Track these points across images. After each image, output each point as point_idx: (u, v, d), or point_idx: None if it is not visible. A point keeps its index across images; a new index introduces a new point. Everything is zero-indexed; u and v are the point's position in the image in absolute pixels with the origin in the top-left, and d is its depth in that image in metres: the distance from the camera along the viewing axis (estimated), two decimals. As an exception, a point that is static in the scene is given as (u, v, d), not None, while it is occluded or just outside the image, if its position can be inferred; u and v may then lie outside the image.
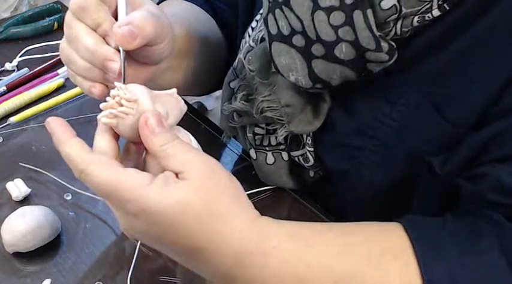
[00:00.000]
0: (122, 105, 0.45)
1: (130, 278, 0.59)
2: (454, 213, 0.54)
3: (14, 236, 0.60)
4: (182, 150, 0.46)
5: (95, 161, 0.45)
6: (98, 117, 0.47)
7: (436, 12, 0.51)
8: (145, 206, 0.43)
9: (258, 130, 0.64)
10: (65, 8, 1.01)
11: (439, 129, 0.55)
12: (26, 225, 0.60)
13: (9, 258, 0.61)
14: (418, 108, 0.55)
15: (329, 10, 0.50)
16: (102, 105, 0.46)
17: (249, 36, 0.65)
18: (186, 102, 0.51)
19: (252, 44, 0.63)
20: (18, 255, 0.61)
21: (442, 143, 0.55)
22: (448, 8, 0.51)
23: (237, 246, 0.46)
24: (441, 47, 0.53)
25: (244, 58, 0.62)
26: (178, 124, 0.51)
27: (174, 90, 0.49)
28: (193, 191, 0.44)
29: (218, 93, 1.41)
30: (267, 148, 0.65)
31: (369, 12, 0.49)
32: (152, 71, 0.56)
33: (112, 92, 0.46)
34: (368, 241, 0.51)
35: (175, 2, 0.75)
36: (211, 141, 0.76)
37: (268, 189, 0.69)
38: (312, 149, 0.62)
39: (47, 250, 0.62)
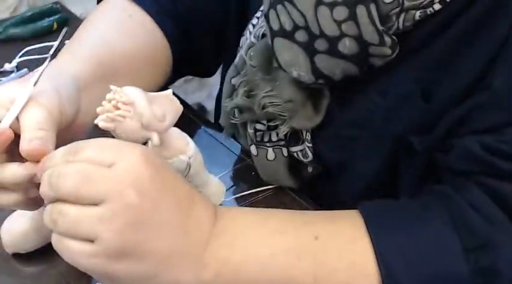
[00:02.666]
0: (118, 109, 0.46)
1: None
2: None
3: (13, 237, 0.60)
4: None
5: None
6: (95, 121, 0.47)
7: (437, 6, 0.52)
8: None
9: (259, 126, 0.64)
10: (64, 9, 1.01)
11: (422, 113, 0.56)
12: (25, 226, 0.60)
13: (8, 259, 0.61)
14: (407, 97, 0.56)
15: (332, 5, 0.51)
16: (98, 109, 0.47)
17: (250, 33, 0.65)
18: (185, 102, 0.51)
19: (253, 40, 0.63)
20: (18, 256, 0.61)
21: (422, 124, 0.56)
22: (448, 1, 0.51)
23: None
24: (437, 38, 0.54)
25: (246, 54, 0.62)
26: (175, 126, 0.51)
27: (170, 91, 0.49)
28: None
29: (218, 93, 1.42)
30: (268, 144, 0.65)
31: (372, 6, 0.50)
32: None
33: (108, 96, 0.46)
34: (320, 214, 0.55)
35: (105, 17, 0.71)
36: (210, 142, 0.76)
37: (268, 189, 0.69)
38: (310, 145, 0.63)
39: (47, 250, 0.61)
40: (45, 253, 0.61)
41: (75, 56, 0.62)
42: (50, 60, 0.53)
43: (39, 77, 0.50)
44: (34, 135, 0.49)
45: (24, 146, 0.48)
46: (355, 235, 0.51)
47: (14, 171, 0.49)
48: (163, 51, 0.72)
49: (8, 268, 0.60)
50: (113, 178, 0.45)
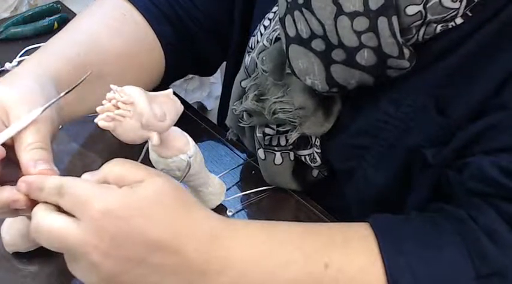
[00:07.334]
0: (118, 108, 0.46)
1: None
2: (419, 211, 0.56)
3: (13, 236, 0.60)
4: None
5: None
6: (95, 120, 0.47)
7: (459, 20, 0.51)
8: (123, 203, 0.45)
9: (268, 130, 0.64)
10: (65, 8, 1.01)
11: (439, 127, 0.55)
12: (25, 225, 0.60)
13: (9, 258, 0.61)
14: (422, 109, 0.55)
15: (353, 15, 0.50)
16: (98, 109, 0.47)
17: (261, 34, 0.64)
18: (185, 102, 0.51)
19: (265, 43, 0.62)
20: (18, 255, 0.61)
21: (438, 138, 0.55)
22: (470, 15, 0.51)
23: (209, 226, 0.48)
24: (453, 51, 0.53)
25: (257, 57, 0.61)
26: (175, 125, 0.51)
27: (170, 91, 0.49)
28: (162, 187, 0.47)
29: (218, 93, 1.42)
30: (276, 149, 0.65)
31: (394, 18, 0.49)
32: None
33: (108, 95, 0.46)
34: (330, 227, 0.54)
35: (98, 15, 0.70)
36: (210, 141, 0.76)
37: (268, 189, 0.69)
38: (319, 150, 0.62)
39: (47, 250, 0.61)
40: (45, 251, 0.61)
41: (59, 55, 0.60)
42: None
43: (48, 106, 0.50)
44: (37, 155, 0.48)
45: (31, 169, 0.48)
46: (367, 262, 0.50)
47: None
48: (156, 54, 0.71)
49: (8, 267, 0.60)
50: (77, 239, 0.46)
